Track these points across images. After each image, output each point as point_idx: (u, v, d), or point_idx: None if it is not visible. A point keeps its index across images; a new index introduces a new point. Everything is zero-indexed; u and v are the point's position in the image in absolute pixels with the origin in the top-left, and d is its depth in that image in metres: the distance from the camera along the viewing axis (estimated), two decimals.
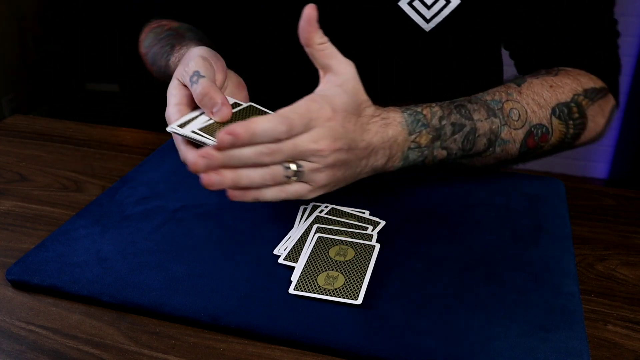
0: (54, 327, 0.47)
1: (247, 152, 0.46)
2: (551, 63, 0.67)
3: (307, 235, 0.54)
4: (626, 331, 0.46)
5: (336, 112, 0.48)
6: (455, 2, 0.65)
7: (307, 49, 0.50)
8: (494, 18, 0.67)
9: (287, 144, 0.46)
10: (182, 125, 0.50)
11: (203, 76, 0.52)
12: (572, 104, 0.61)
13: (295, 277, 0.49)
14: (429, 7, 0.65)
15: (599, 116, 0.65)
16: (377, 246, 0.52)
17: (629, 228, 0.60)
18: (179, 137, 0.51)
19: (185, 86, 0.54)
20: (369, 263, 0.50)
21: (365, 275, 0.49)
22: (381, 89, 0.70)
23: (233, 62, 0.78)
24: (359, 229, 0.56)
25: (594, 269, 0.54)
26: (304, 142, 0.47)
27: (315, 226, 0.56)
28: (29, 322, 0.47)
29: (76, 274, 0.51)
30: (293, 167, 0.47)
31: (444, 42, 0.67)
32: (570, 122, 0.61)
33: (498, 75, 0.79)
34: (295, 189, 0.49)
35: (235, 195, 0.47)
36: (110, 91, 2.77)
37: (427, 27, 0.65)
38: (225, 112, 0.50)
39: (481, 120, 0.57)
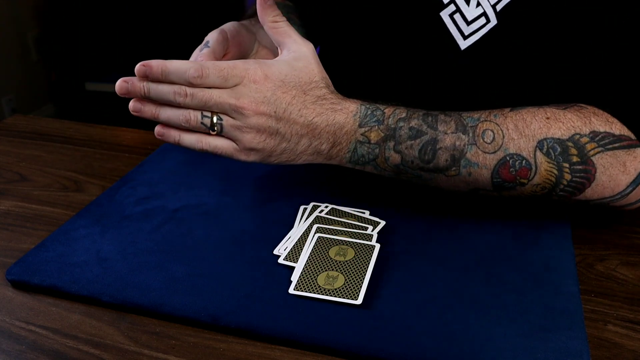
0: (54, 327, 0.47)
1: (163, 88, 0.51)
2: (573, 97, 0.57)
3: (307, 235, 0.54)
4: (626, 331, 0.46)
5: (268, 78, 0.51)
6: (493, 22, 0.60)
7: (264, 27, 0.55)
8: (532, 45, 0.60)
9: (203, 91, 0.50)
10: None
11: (209, 47, 0.58)
12: (569, 143, 0.52)
13: (295, 277, 0.49)
14: (468, 23, 0.61)
15: (616, 170, 0.53)
16: (377, 246, 0.52)
17: (629, 228, 0.60)
18: None
19: None
20: (369, 263, 0.50)
21: (365, 275, 0.49)
22: (405, 97, 0.69)
23: (327, 47, 0.81)
24: (359, 229, 0.56)
25: (594, 269, 0.54)
26: (222, 95, 0.50)
27: (315, 226, 0.56)
28: (29, 322, 0.47)
29: (76, 274, 0.51)
30: (214, 118, 0.51)
31: (477, 63, 0.63)
32: (566, 164, 0.52)
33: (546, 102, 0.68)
34: (218, 143, 0.52)
35: (160, 132, 0.53)
36: (110, 91, 2.77)
37: (463, 44, 0.62)
38: None
39: (446, 133, 0.52)
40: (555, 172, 0.52)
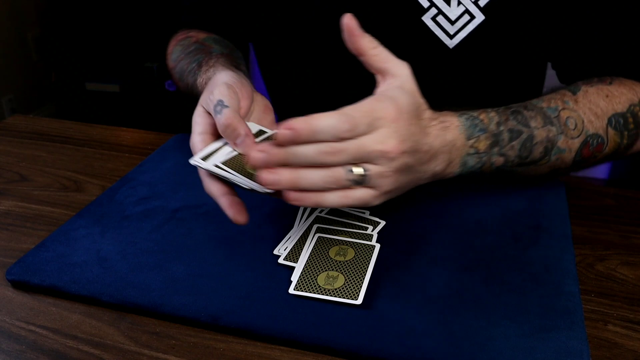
0: (54, 327, 0.47)
1: (308, 150, 0.43)
2: (596, 73, 0.64)
3: (307, 235, 0.54)
4: (626, 331, 0.46)
5: (401, 112, 0.46)
6: (480, 18, 0.61)
7: (361, 58, 0.49)
8: (523, 33, 0.64)
9: (351, 143, 0.44)
10: (205, 158, 0.48)
11: (227, 106, 0.48)
12: (628, 114, 0.60)
13: (295, 277, 0.49)
14: (452, 23, 0.62)
15: None
16: (377, 246, 0.52)
17: (629, 228, 0.60)
18: (203, 170, 0.49)
19: (210, 114, 0.51)
20: (369, 263, 0.50)
21: (365, 275, 0.49)
22: None
23: (265, 73, 0.78)
24: (359, 229, 0.56)
25: (594, 269, 0.54)
26: (369, 142, 0.44)
27: (315, 226, 0.56)
28: (29, 322, 0.47)
29: (76, 274, 0.51)
30: (359, 170, 0.44)
31: (469, 58, 0.64)
32: (625, 132, 0.60)
33: (537, 89, 0.77)
34: (359, 195, 0.46)
35: (293, 197, 0.44)
36: (110, 91, 2.77)
37: (451, 43, 0.63)
38: (249, 144, 0.47)
39: (538, 128, 0.56)
40: (619, 140, 0.61)
